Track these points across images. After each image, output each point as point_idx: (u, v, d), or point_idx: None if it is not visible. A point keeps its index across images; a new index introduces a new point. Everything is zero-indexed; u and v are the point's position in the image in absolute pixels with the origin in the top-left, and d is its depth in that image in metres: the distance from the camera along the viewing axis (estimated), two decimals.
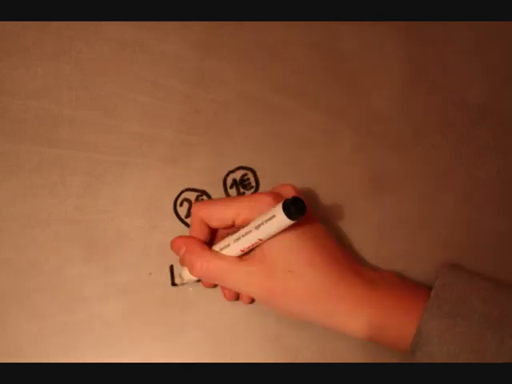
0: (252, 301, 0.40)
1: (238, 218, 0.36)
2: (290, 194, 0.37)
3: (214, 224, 0.38)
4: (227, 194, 0.42)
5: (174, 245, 0.39)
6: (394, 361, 0.39)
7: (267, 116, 0.43)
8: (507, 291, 0.35)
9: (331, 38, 0.44)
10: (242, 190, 0.42)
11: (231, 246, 0.37)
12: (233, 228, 0.38)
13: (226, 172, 0.42)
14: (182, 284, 0.41)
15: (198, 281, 0.40)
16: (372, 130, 0.42)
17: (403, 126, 0.42)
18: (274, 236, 0.35)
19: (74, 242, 0.41)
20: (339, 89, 0.43)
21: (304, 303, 0.36)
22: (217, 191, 0.42)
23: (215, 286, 0.41)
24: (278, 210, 0.33)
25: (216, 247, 0.38)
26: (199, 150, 0.42)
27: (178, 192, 0.42)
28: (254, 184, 0.42)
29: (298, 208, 0.33)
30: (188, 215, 0.42)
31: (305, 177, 0.42)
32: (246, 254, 0.37)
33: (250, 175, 0.42)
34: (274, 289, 0.36)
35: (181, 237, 0.39)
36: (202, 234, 0.38)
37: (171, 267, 0.41)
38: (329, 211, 0.42)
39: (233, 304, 0.41)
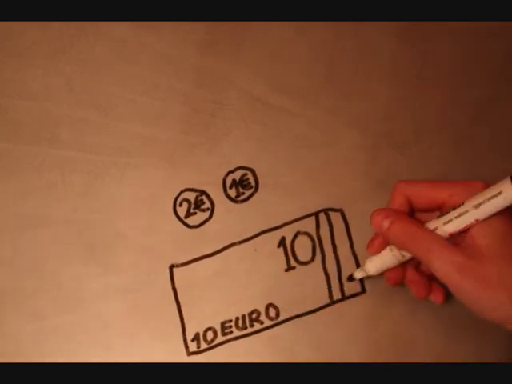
0: (443, 300, 0.37)
1: (450, 200, 0.33)
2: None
3: (420, 203, 0.35)
4: (227, 195, 0.42)
5: (377, 216, 0.35)
6: (394, 361, 0.39)
7: (267, 116, 0.43)
8: None
9: (331, 38, 0.44)
10: (241, 190, 0.42)
11: (439, 230, 0.33)
12: (435, 212, 0.35)
13: (226, 172, 0.42)
14: (366, 277, 0.38)
15: (380, 275, 0.37)
16: (372, 129, 0.42)
17: (404, 126, 0.42)
18: (488, 218, 0.32)
19: (74, 242, 0.41)
20: (339, 88, 0.43)
21: None
22: (216, 191, 0.42)
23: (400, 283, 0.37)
24: (506, 185, 0.30)
25: None
26: (199, 150, 0.42)
27: (178, 192, 0.42)
28: (253, 184, 0.42)
29: None
30: (187, 215, 0.42)
31: (305, 177, 0.42)
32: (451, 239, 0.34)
33: (250, 175, 0.42)
34: (488, 278, 0.31)
35: (385, 209, 0.35)
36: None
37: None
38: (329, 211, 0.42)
39: (234, 303, 0.41)
